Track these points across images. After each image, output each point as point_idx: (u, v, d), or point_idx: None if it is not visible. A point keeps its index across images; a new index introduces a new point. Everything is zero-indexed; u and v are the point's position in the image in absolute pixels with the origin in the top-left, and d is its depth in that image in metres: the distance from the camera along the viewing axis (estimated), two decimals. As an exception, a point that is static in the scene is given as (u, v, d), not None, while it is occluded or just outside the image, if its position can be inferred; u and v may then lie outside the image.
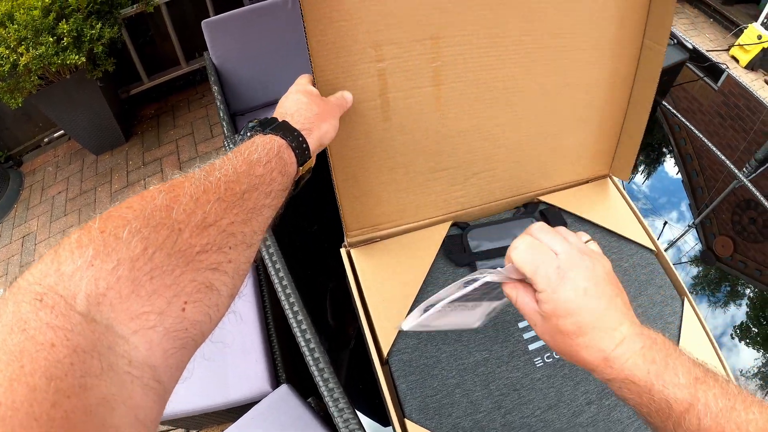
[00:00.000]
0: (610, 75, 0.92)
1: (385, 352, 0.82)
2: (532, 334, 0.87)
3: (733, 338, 1.17)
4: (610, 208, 1.03)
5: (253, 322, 1.43)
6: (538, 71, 0.86)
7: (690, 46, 1.41)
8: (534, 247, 0.54)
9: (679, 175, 1.52)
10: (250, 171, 0.50)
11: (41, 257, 0.34)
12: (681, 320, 0.92)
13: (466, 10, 0.76)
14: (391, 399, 0.79)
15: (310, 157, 0.61)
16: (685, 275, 1.26)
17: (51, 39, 2.18)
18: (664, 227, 1.36)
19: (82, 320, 0.32)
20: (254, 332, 1.42)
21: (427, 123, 0.85)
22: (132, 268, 0.35)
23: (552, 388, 0.82)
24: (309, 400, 1.30)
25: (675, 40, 1.40)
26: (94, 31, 2.30)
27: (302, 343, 0.93)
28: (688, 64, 1.81)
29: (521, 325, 0.88)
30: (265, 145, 0.54)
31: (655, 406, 0.47)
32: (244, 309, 1.46)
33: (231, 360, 1.36)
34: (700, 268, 1.29)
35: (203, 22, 1.87)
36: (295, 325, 0.96)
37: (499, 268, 0.56)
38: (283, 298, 1.00)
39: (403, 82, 0.80)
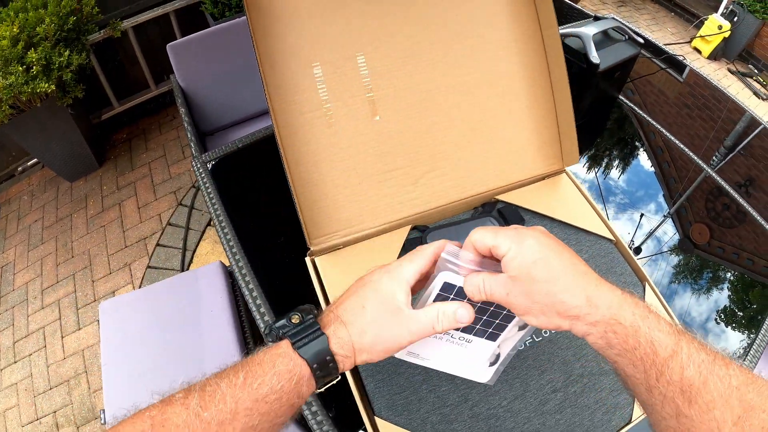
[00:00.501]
0: (522, 68, 1.02)
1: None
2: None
3: (718, 323, 1.20)
4: (568, 202, 1.07)
5: (232, 341, 1.45)
6: (455, 72, 0.99)
7: (642, 41, 1.44)
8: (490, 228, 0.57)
9: (653, 168, 1.56)
10: (254, 407, 0.47)
11: None
12: (642, 306, 0.96)
13: (382, 30, 0.93)
14: (361, 399, 0.81)
15: (336, 379, 0.55)
16: (666, 265, 1.28)
17: (20, 68, 2.18)
18: (641, 219, 1.39)
19: None
20: (234, 349, 1.43)
21: (367, 127, 0.95)
22: None
23: (517, 379, 0.85)
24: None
25: (626, 36, 1.45)
26: (62, 59, 2.30)
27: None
28: (653, 59, 1.87)
29: (484, 320, 0.90)
30: (283, 376, 0.49)
31: (641, 351, 0.47)
32: (222, 330, 1.49)
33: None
34: (681, 257, 1.31)
35: (168, 46, 1.89)
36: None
37: (453, 261, 0.57)
38: (255, 312, 1.02)
39: (340, 93, 0.93)
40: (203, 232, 2.73)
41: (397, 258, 0.94)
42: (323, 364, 0.51)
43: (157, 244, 2.69)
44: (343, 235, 0.96)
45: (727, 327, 1.20)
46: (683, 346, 0.46)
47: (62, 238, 2.75)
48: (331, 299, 0.90)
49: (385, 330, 0.54)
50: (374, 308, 0.55)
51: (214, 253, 2.63)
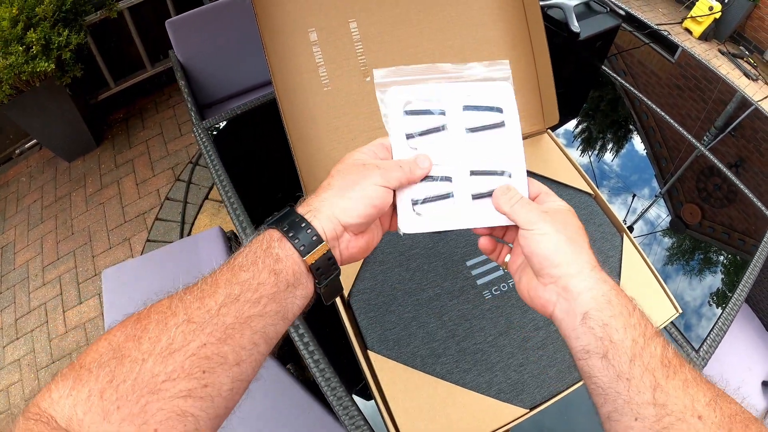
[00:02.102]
0: (505, 34, 1.08)
1: (346, 294, 0.90)
2: (479, 270, 0.95)
3: (710, 305, 1.21)
4: (549, 159, 1.13)
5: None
6: (441, 37, 1.05)
7: (623, 13, 1.49)
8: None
9: (645, 149, 1.56)
10: (233, 278, 0.47)
11: (45, 386, 0.41)
12: (621, 253, 1.02)
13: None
14: (354, 335, 0.87)
15: (320, 243, 0.51)
16: (658, 247, 1.29)
17: (20, 48, 2.22)
18: (633, 200, 1.39)
19: None
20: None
21: (359, 87, 1.01)
22: (101, 398, 0.39)
23: (501, 317, 0.91)
24: (288, 366, 1.38)
25: (608, 8, 1.50)
26: (61, 38, 2.35)
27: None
28: (634, 32, 1.91)
29: (469, 263, 0.96)
30: (254, 244, 0.50)
31: (638, 313, 0.49)
32: None
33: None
34: (673, 239, 1.32)
35: (167, 22, 1.93)
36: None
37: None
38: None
39: (334, 56, 0.99)
40: (201, 206, 2.77)
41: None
42: (291, 223, 0.51)
43: (156, 219, 2.72)
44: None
45: (718, 309, 1.21)
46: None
47: (62, 216, 2.79)
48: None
49: (353, 182, 0.55)
50: (339, 177, 0.56)
51: (212, 225, 2.65)
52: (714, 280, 1.26)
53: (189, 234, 2.66)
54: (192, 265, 1.60)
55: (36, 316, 2.45)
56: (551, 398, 0.85)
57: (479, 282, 0.95)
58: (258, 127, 1.45)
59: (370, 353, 0.86)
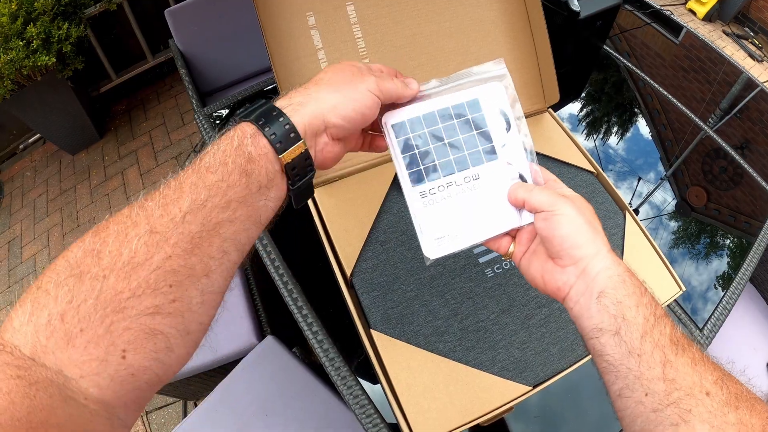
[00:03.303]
0: (502, 13, 1.08)
1: (348, 274, 0.90)
2: (481, 248, 0.95)
3: (716, 288, 1.20)
4: (551, 138, 1.12)
5: (234, 280, 1.50)
6: (438, 19, 1.04)
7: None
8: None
9: (649, 131, 1.56)
10: (200, 182, 0.43)
11: (7, 316, 0.37)
12: (624, 232, 1.01)
13: None
14: (357, 314, 0.87)
15: (298, 140, 0.48)
16: (663, 231, 1.28)
17: (21, 43, 2.23)
18: (638, 183, 1.38)
19: (34, 363, 0.35)
20: (237, 289, 1.50)
21: None
22: (62, 321, 0.36)
23: (504, 295, 0.91)
24: (294, 350, 1.38)
25: (609, -13, 1.48)
26: (61, 32, 2.36)
27: (285, 295, 1.03)
28: (635, 12, 1.90)
29: (469, 242, 0.96)
30: (223, 141, 0.46)
31: (649, 294, 0.50)
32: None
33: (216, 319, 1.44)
34: (679, 222, 1.31)
35: (166, 11, 1.93)
36: (277, 278, 1.05)
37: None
38: (262, 251, 1.08)
39: (332, 39, 0.99)
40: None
41: (389, 188, 1.01)
42: (268, 117, 0.47)
43: None
44: (339, 168, 1.02)
45: (722, 291, 1.21)
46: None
47: (67, 209, 2.81)
48: (327, 225, 0.95)
49: (346, 81, 0.52)
50: (332, 72, 0.54)
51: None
52: (719, 264, 1.25)
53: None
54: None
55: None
56: (554, 376, 0.84)
57: (481, 260, 0.94)
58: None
59: (373, 332, 0.86)
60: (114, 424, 0.38)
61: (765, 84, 1.75)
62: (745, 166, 1.44)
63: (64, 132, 2.91)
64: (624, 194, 1.31)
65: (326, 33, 0.99)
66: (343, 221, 0.97)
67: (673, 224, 1.31)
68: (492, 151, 0.61)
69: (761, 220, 1.34)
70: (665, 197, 1.36)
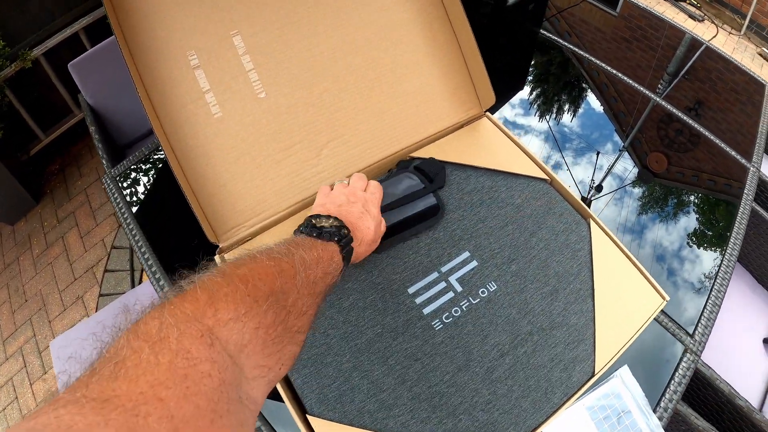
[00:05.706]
0: (416, 14, 0.96)
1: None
2: (424, 297, 0.81)
3: (690, 246, 1.21)
4: (492, 147, 0.99)
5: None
6: (340, 32, 0.92)
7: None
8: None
9: (601, 106, 1.58)
10: (317, 265, 0.58)
11: (190, 291, 0.42)
12: (590, 244, 0.88)
13: (253, 2, 0.86)
14: (289, 399, 0.73)
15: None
16: (630, 200, 1.27)
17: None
18: (597, 158, 1.37)
19: (230, 361, 0.39)
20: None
21: (254, 107, 0.88)
22: (266, 332, 0.45)
23: (458, 349, 0.77)
24: None
25: (532, -33, 1.38)
26: (-23, 101, 2.19)
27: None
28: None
29: (411, 290, 0.82)
30: (322, 254, 0.61)
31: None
32: None
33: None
34: (644, 189, 1.31)
35: (70, 65, 1.78)
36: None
37: None
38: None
39: (220, 77, 0.85)
40: (148, 249, 2.63)
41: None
42: (349, 250, 0.68)
43: (105, 270, 2.61)
44: (251, 225, 0.88)
45: (699, 248, 1.21)
46: None
47: (13, 283, 2.66)
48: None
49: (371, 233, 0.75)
50: (366, 217, 0.75)
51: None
52: (690, 221, 1.28)
53: (140, 281, 2.54)
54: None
55: (5, 393, 2.33)
56: (530, 434, 0.71)
57: (425, 311, 0.80)
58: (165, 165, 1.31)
59: (311, 418, 0.71)
60: (255, 421, 0.45)
61: (709, 42, 1.76)
62: (699, 127, 1.45)
63: (-2, 203, 2.73)
64: (585, 170, 1.36)
65: (212, 71, 0.85)
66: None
67: (638, 191, 1.35)
68: None
69: (725, 176, 1.38)
70: (626, 167, 1.38)
